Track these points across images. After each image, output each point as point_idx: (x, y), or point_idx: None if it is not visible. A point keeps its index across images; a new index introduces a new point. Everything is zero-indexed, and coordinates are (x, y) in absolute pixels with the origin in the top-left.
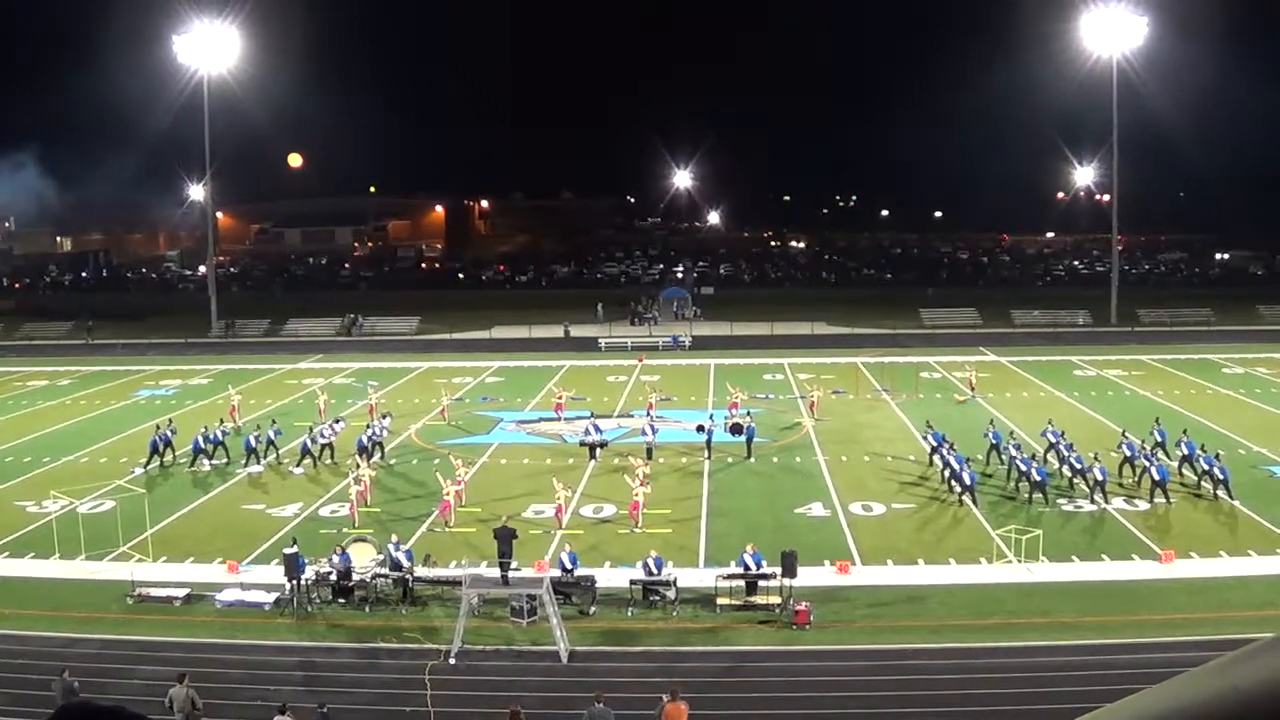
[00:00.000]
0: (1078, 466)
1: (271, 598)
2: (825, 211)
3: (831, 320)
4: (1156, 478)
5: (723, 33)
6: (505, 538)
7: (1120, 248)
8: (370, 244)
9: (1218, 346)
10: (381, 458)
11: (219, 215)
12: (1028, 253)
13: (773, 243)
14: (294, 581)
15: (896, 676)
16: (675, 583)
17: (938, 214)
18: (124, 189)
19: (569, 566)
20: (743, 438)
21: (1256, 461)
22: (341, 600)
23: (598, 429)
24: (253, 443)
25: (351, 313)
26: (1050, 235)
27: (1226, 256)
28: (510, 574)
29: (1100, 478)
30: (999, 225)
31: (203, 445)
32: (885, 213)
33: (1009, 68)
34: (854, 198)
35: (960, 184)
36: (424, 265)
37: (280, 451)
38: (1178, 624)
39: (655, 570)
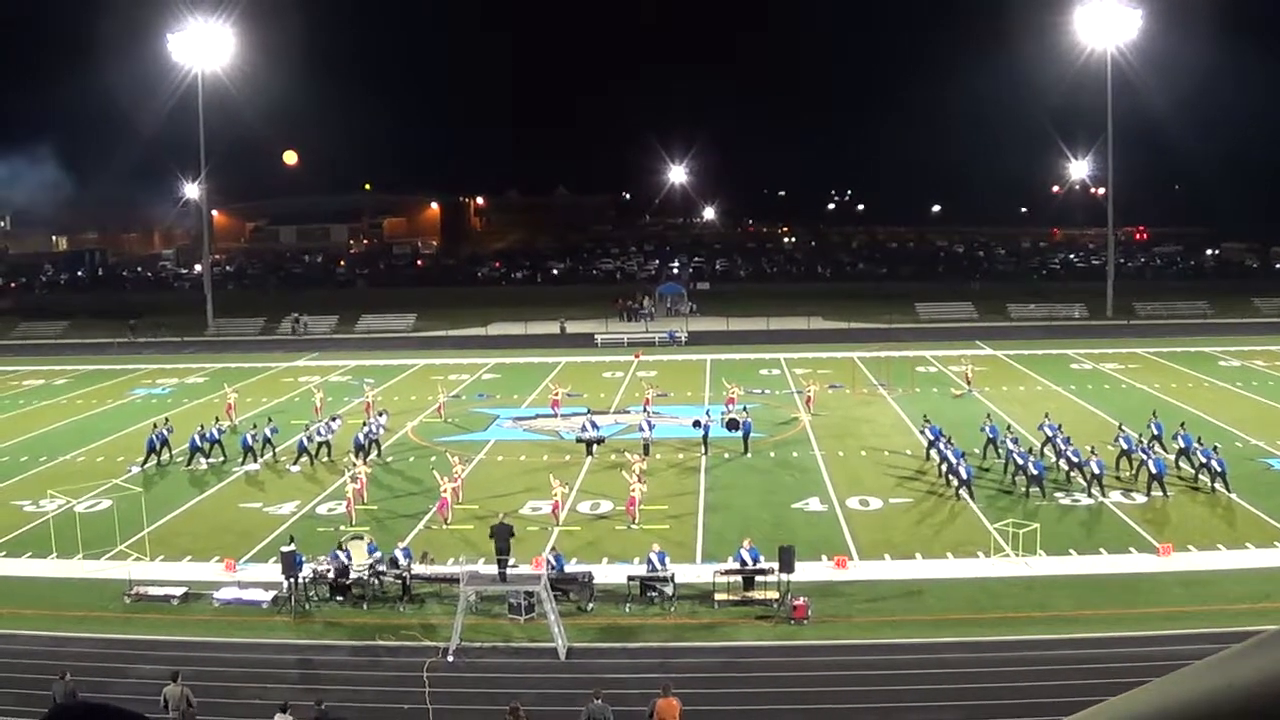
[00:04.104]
0: (1075, 460)
1: (269, 596)
2: (843, 205)
3: (827, 315)
4: (1154, 470)
5: (718, 29)
6: (503, 535)
7: (1142, 239)
8: (366, 241)
9: (1214, 339)
10: (378, 455)
11: (214, 213)
12: (1023, 246)
13: (787, 238)
14: (291, 579)
15: (894, 671)
16: (673, 579)
17: (936, 208)
18: (119, 188)
19: (554, 564)
20: (739, 433)
21: (1253, 454)
22: (339, 598)
23: (594, 425)
24: (249, 441)
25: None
26: (1056, 232)
27: (1215, 251)
28: (508, 571)
29: (1097, 471)
30: (1010, 219)
31: (199, 444)
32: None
33: (1003, 62)
34: (849, 193)
35: (956, 179)
36: (420, 262)
37: (277, 450)
38: (1175, 617)
39: (659, 565)
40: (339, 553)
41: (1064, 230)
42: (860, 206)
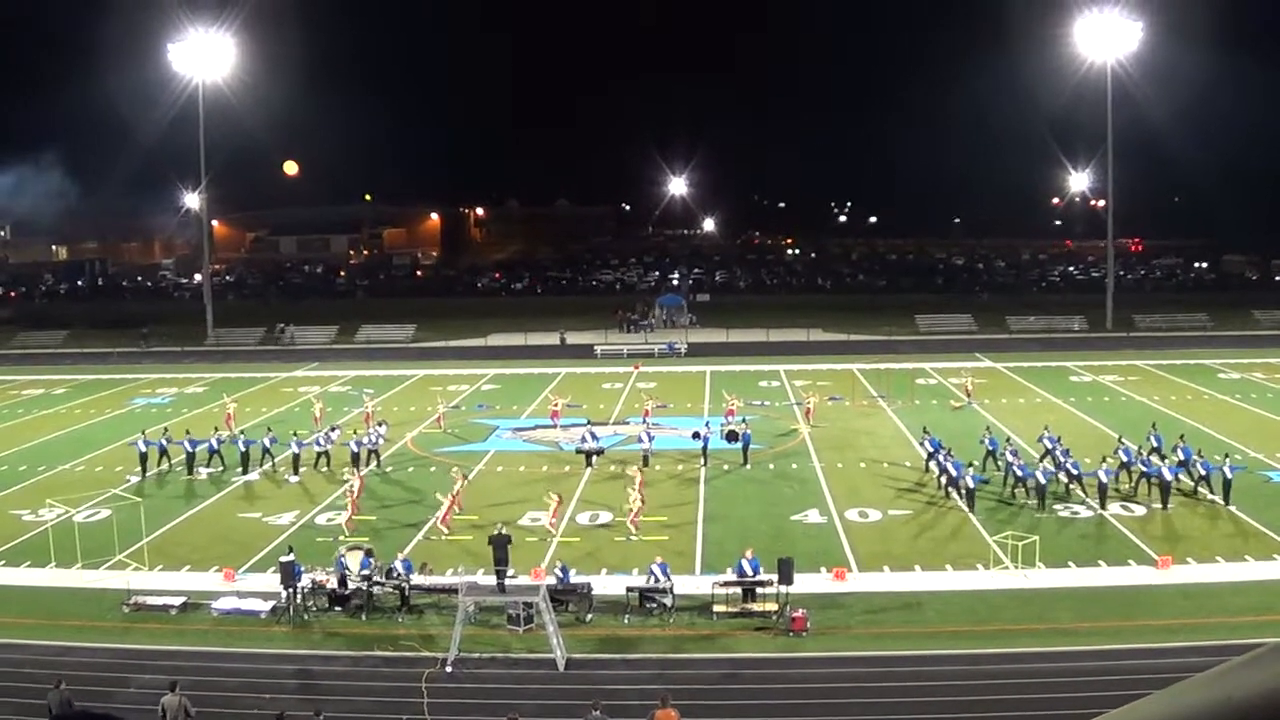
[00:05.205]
0: (1074, 472)
1: (268, 606)
2: (852, 218)
3: (827, 327)
4: (1168, 477)
5: (718, 32)
6: (501, 545)
7: (1138, 250)
8: (365, 252)
9: (1214, 351)
10: (378, 465)
11: (214, 223)
12: (1023, 258)
13: (790, 250)
14: (290, 590)
15: (893, 683)
16: (672, 590)
17: (956, 220)
18: (120, 197)
19: (560, 575)
20: (739, 444)
21: (1253, 466)
22: (338, 608)
23: (594, 436)
24: (245, 448)
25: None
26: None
27: (1206, 264)
28: (506, 581)
29: (1105, 479)
30: (1014, 230)
31: (192, 450)
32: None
33: (1004, 74)
34: (849, 204)
35: (956, 190)
36: (419, 273)
37: (275, 460)
38: (1175, 629)
39: (661, 576)
40: (343, 561)
41: (1067, 242)
42: (872, 219)
